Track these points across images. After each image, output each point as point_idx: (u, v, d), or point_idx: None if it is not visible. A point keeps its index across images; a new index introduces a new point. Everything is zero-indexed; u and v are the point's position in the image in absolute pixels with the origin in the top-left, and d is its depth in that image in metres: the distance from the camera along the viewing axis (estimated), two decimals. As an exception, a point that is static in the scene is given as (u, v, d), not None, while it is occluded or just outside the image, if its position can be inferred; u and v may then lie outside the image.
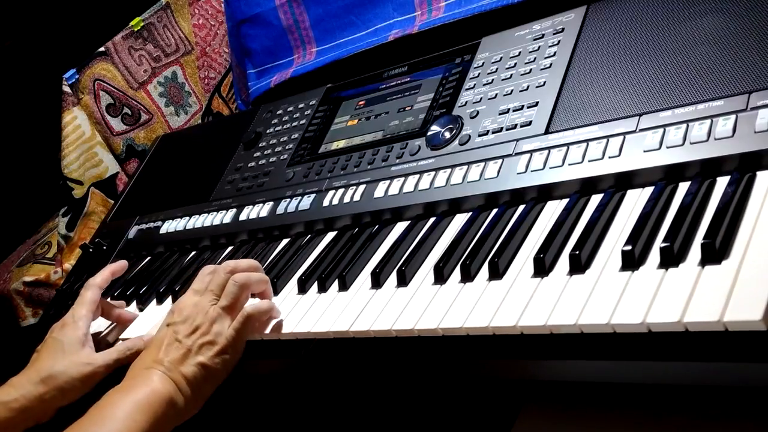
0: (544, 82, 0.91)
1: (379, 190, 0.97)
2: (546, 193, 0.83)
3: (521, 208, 0.83)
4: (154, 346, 0.83)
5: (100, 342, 1.01)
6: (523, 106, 0.91)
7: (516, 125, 0.90)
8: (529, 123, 0.88)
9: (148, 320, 1.02)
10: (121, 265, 1.07)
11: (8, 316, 1.60)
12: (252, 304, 0.86)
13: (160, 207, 1.29)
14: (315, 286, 0.89)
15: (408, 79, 1.11)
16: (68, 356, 0.91)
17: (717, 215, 0.65)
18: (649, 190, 0.75)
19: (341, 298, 0.85)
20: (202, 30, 1.65)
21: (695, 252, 0.64)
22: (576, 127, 0.84)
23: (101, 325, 1.05)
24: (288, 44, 1.37)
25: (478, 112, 0.95)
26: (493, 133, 0.91)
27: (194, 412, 0.80)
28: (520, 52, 0.98)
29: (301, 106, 1.23)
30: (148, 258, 1.23)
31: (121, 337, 1.02)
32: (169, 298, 1.04)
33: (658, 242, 0.66)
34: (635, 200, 0.75)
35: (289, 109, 1.25)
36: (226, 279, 0.86)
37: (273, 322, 0.87)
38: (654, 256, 0.66)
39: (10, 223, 2.09)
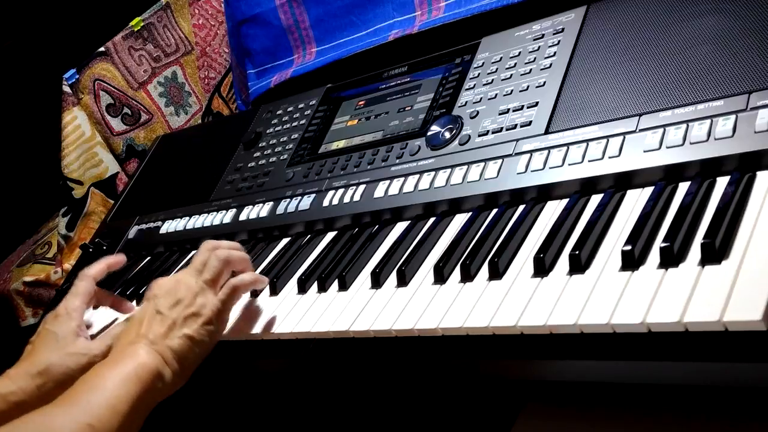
0: (544, 82, 0.91)
1: (379, 190, 0.97)
2: (546, 193, 0.83)
3: (521, 208, 0.83)
4: (135, 321, 0.82)
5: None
6: (523, 106, 0.91)
7: (516, 125, 0.90)
8: (529, 123, 0.88)
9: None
10: (118, 258, 1.05)
11: (8, 316, 1.60)
12: (237, 276, 0.87)
13: (160, 207, 1.29)
14: (315, 286, 0.89)
15: (408, 79, 1.11)
16: (63, 348, 0.90)
17: (717, 215, 0.65)
18: (649, 190, 0.75)
19: (341, 298, 0.85)
20: (202, 30, 1.65)
21: (695, 252, 0.64)
22: (576, 127, 0.84)
23: (101, 322, 1.05)
24: (288, 44, 1.37)
25: (478, 112, 0.95)
26: (493, 133, 0.91)
27: (181, 384, 0.80)
28: (520, 52, 0.98)
29: (301, 106, 1.23)
30: (148, 258, 1.24)
31: None
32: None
33: (658, 242, 0.66)
34: (635, 200, 0.75)
35: (289, 109, 1.25)
36: (207, 256, 0.87)
37: (273, 321, 0.87)
38: (654, 256, 0.66)
39: (10, 223, 2.09)
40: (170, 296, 0.82)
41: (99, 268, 1.02)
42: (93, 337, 0.96)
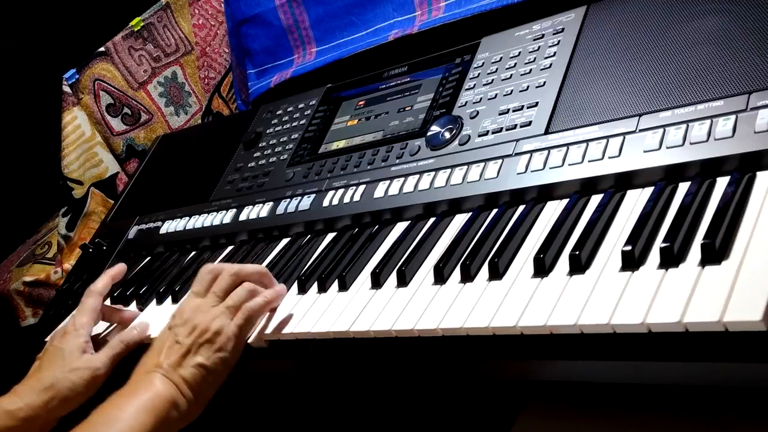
0: (544, 82, 0.91)
1: (379, 190, 0.97)
2: (546, 193, 0.83)
3: (521, 208, 0.83)
4: (155, 349, 0.83)
5: (101, 344, 1.01)
6: (523, 106, 0.91)
7: (516, 125, 0.90)
8: (529, 123, 0.88)
9: (147, 320, 1.02)
10: (120, 269, 1.07)
11: (8, 316, 1.60)
12: (252, 300, 0.86)
13: (160, 207, 1.29)
14: (315, 286, 0.89)
15: (408, 79, 1.11)
16: (68, 364, 0.91)
17: (717, 215, 0.65)
18: (649, 191, 0.75)
19: (341, 299, 0.85)
20: (202, 30, 1.65)
21: (695, 252, 0.64)
22: (576, 127, 0.84)
23: (101, 326, 1.05)
24: (288, 44, 1.37)
25: (478, 113, 0.95)
26: (493, 133, 0.91)
27: (198, 414, 0.80)
28: (520, 52, 0.98)
29: (301, 106, 1.23)
30: (148, 258, 1.23)
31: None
32: (169, 298, 1.04)
33: (658, 242, 0.66)
34: (635, 200, 0.75)
35: (289, 109, 1.25)
36: (231, 282, 0.86)
37: (273, 322, 0.87)
38: (654, 256, 0.66)
39: (10, 223, 2.09)
40: (188, 323, 0.83)
41: (104, 282, 1.03)
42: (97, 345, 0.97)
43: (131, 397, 0.77)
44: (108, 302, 1.07)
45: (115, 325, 1.05)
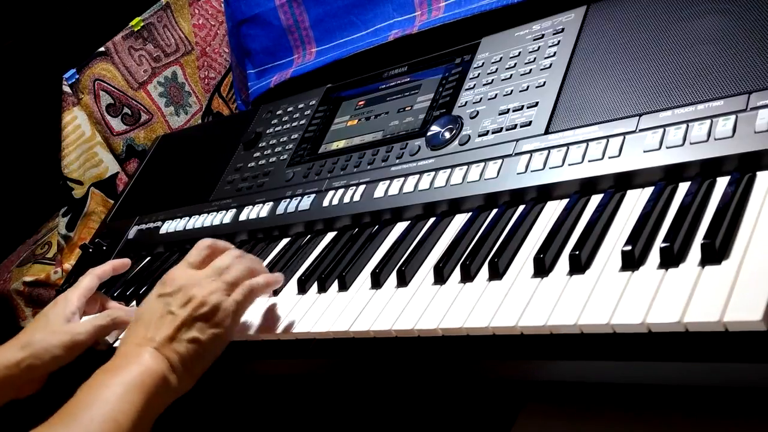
0: (544, 82, 0.91)
1: (379, 190, 0.97)
2: (546, 193, 0.83)
3: (521, 208, 0.83)
4: (143, 320, 0.79)
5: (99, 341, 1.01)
6: (523, 106, 0.91)
7: (516, 125, 0.90)
8: (529, 123, 0.88)
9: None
10: (123, 262, 1.06)
11: (8, 316, 1.60)
12: (254, 279, 0.83)
13: (160, 207, 1.29)
14: (315, 287, 0.89)
15: (408, 79, 1.11)
16: (50, 327, 0.91)
17: (717, 215, 0.65)
18: (649, 191, 0.75)
19: (341, 299, 0.85)
20: (202, 30, 1.65)
21: (695, 252, 0.63)
22: (576, 127, 0.84)
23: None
24: (288, 44, 1.37)
25: (477, 113, 0.95)
26: (492, 133, 0.91)
27: (187, 389, 0.77)
28: (520, 53, 0.98)
29: (301, 106, 1.23)
30: (148, 258, 1.23)
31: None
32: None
33: (658, 242, 0.66)
34: (635, 200, 0.75)
35: (289, 109, 1.25)
36: (231, 261, 0.82)
37: (273, 322, 0.87)
38: (654, 256, 0.66)
39: (10, 223, 2.09)
40: (182, 293, 0.78)
41: (105, 269, 1.03)
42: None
43: (118, 374, 0.72)
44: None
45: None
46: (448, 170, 0.91)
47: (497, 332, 0.68)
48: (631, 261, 0.66)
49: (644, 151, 0.76)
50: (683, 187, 0.73)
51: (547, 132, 0.86)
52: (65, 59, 1.58)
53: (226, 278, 0.80)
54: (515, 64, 0.98)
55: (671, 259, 0.64)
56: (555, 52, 0.94)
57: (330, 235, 1.00)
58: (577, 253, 0.69)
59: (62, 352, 0.89)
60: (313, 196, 1.04)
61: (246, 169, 1.20)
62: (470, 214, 0.87)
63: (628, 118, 0.80)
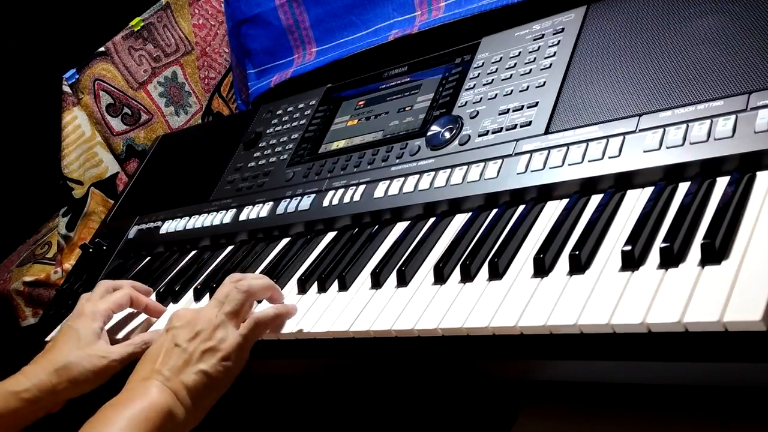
0: (544, 82, 0.91)
1: (379, 190, 0.97)
2: (546, 193, 0.83)
3: (521, 208, 0.83)
4: (151, 354, 0.78)
5: (112, 334, 0.99)
6: (523, 106, 0.91)
7: (516, 125, 0.90)
8: (529, 123, 0.88)
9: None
10: (147, 289, 1.04)
11: (8, 316, 1.60)
12: (259, 309, 0.84)
13: (160, 207, 1.29)
14: (315, 286, 0.89)
15: (408, 79, 1.11)
16: (83, 348, 0.88)
17: (717, 215, 0.65)
18: (649, 190, 0.75)
19: (341, 298, 0.85)
20: (202, 30, 1.65)
21: (695, 252, 0.64)
22: (576, 127, 0.84)
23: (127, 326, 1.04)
24: (288, 44, 1.37)
25: (478, 112, 0.95)
26: (492, 133, 0.91)
27: (195, 424, 0.76)
28: (520, 52, 0.98)
29: (301, 106, 1.23)
30: (148, 258, 1.24)
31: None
32: (169, 299, 1.04)
33: (658, 242, 0.66)
34: (635, 200, 0.75)
35: (289, 109, 1.25)
36: (230, 288, 0.82)
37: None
38: (654, 256, 0.66)
39: (10, 223, 2.09)
40: (189, 328, 0.78)
41: (142, 290, 1.00)
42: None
43: (124, 408, 0.71)
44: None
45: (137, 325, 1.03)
46: (448, 170, 0.91)
47: (497, 332, 0.68)
48: (631, 261, 0.66)
49: (644, 151, 0.76)
50: (683, 187, 0.73)
51: (547, 132, 0.86)
52: (65, 59, 1.58)
53: (226, 309, 0.80)
54: (515, 64, 0.98)
55: (671, 259, 0.64)
56: (555, 52, 0.94)
57: (330, 235, 1.00)
58: (577, 253, 0.69)
59: (96, 377, 0.88)
60: (313, 196, 1.04)
61: (246, 169, 1.21)
62: (470, 214, 0.87)
63: (628, 118, 0.80)
